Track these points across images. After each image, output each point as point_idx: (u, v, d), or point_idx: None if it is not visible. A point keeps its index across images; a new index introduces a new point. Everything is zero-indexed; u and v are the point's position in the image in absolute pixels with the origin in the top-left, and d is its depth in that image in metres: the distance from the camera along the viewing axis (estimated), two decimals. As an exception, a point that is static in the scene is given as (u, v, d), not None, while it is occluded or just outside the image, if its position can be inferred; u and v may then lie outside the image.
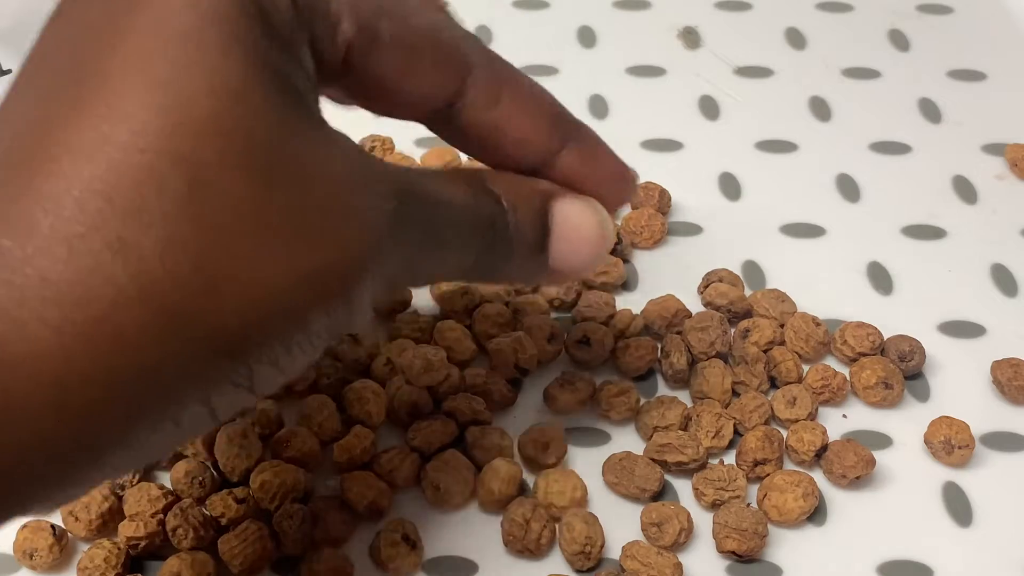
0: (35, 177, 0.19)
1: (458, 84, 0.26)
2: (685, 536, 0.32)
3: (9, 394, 0.18)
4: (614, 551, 0.32)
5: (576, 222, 0.27)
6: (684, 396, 0.36)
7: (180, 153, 0.19)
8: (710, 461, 0.34)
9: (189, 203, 0.19)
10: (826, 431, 0.34)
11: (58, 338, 0.18)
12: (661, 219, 0.40)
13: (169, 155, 0.19)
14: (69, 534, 0.32)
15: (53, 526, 0.31)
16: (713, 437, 0.34)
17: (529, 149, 0.27)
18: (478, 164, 0.29)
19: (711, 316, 0.36)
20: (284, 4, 0.22)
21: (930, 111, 0.46)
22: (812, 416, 0.35)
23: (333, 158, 0.22)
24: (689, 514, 0.32)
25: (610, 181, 0.29)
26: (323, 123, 0.23)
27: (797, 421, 0.35)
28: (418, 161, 0.42)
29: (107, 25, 0.20)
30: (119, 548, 0.31)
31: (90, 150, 0.19)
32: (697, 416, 0.35)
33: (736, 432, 0.35)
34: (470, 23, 0.49)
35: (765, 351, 0.36)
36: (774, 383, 0.36)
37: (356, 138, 0.43)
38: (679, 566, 0.31)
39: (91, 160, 0.19)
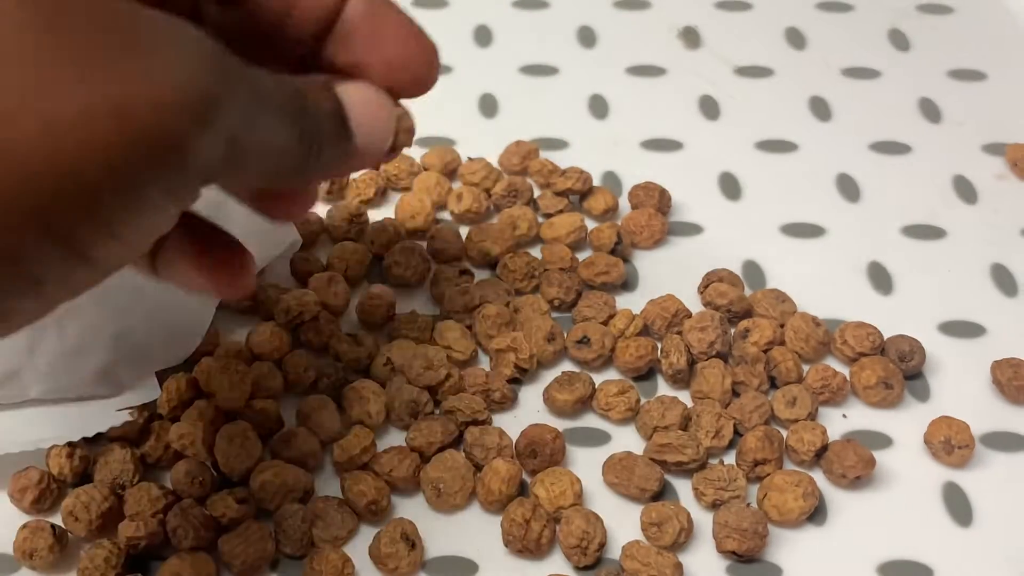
0: None
1: None
2: (685, 536, 0.32)
3: None
4: (614, 551, 0.32)
5: (362, 94, 0.28)
6: (684, 396, 0.36)
7: None
8: (710, 461, 0.34)
9: None
10: (826, 431, 0.34)
11: None
12: (661, 219, 0.40)
13: None
14: (69, 534, 0.32)
15: (53, 526, 0.31)
16: (713, 437, 0.34)
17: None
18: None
19: (711, 316, 0.37)
20: None
21: (930, 111, 0.46)
22: (812, 416, 0.35)
23: (139, 10, 0.22)
24: (689, 514, 0.32)
25: (405, 39, 0.29)
26: None
27: (797, 421, 0.35)
28: (418, 160, 0.42)
29: None
30: (119, 548, 0.31)
31: None
32: (697, 416, 0.35)
33: (736, 432, 0.35)
34: (470, 23, 0.49)
35: (765, 351, 0.36)
36: (774, 383, 0.36)
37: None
38: (679, 566, 0.31)
39: None
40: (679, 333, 0.37)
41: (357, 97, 0.27)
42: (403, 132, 0.29)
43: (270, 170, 0.26)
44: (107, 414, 0.33)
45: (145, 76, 0.21)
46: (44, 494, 0.32)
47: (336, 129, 0.27)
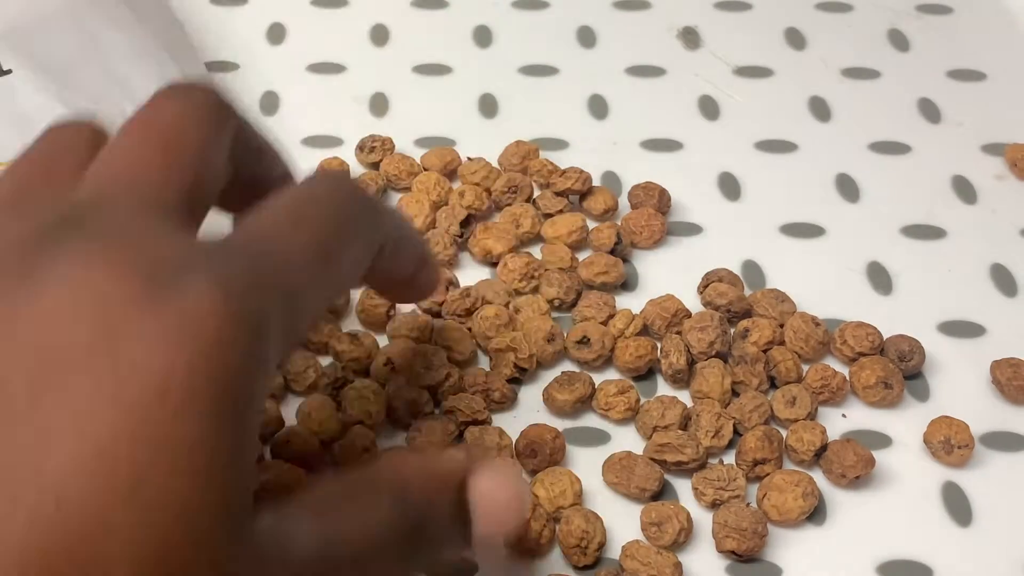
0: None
1: None
2: (685, 536, 0.32)
3: None
4: (614, 551, 0.32)
5: (496, 498, 0.25)
6: (684, 396, 0.36)
7: None
8: (710, 461, 0.34)
9: None
10: (825, 431, 0.34)
11: None
12: (661, 219, 0.40)
13: None
14: None
15: None
16: (713, 437, 0.34)
17: None
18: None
19: (711, 316, 0.36)
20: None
21: (930, 111, 0.46)
22: (812, 416, 0.35)
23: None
24: (689, 514, 0.32)
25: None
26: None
27: (797, 421, 0.35)
28: (418, 161, 0.42)
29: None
30: None
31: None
32: (696, 416, 0.35)
33: (736, 432, 0.35)
34: (470, 23, 0.49)
35: (765, 351, 0.36)
36: (774, 383, 0.36)
37: (355, 138, 0.43)
38: (679, 566, 0.31)
39: None
40: (679, 333, 0.37)
41: (490, 500, 0.25)
42: None
43: None
44: None
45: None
46: None
47: (456, 535, 0.25)
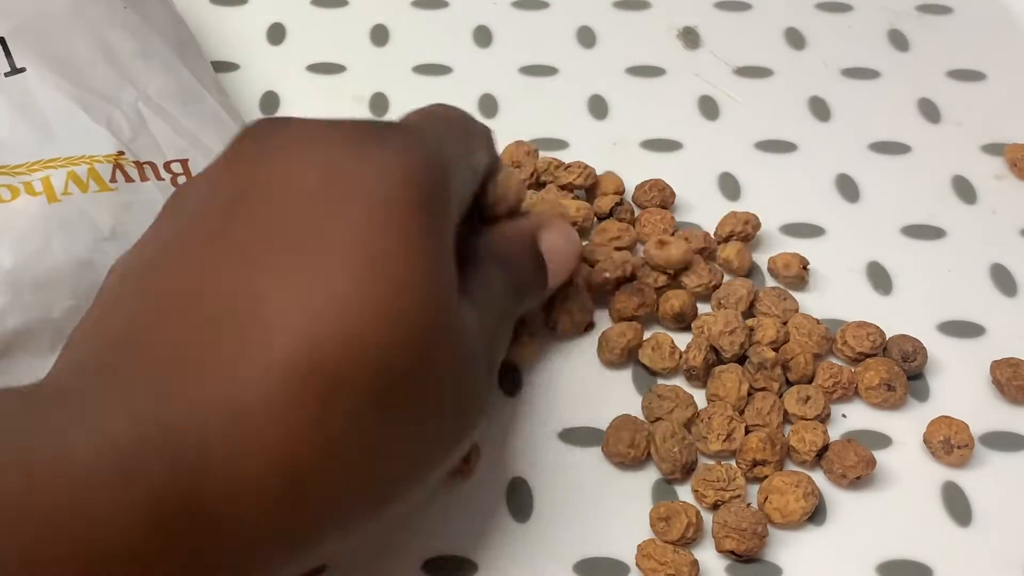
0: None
1: None
2: (693, 531, 0.32)
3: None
4: (624, 549, 0.32)
5: (552, 242, 0.34)
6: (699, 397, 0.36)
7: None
8: (708, 462, 0.34)
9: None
10: (827, 431, 0.34)
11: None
12: (670, 217, 0.40)
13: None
14: None
15: None
16: (724, 440, 0.34)
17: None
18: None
19: (736, 318, 0.36)
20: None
21: (930, 111, 0.46)
22: (822, 418, 0.35)
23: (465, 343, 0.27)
24: (698, 511, 0.32)
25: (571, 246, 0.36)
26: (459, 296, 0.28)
27: (805, 419, 0.35)
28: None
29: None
30: None
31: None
32: (708, 419, 0.35)
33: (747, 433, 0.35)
34: (470, 23, 0.49)
35: (776, 350, 0.36)
36: (787, 380, 0.36)
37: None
38: (695, 564, 0.31)
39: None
40: (702, 331, 0.37)
41: (549, 243, 0.34)
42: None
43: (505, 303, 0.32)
44: None
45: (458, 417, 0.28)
46: None
47: (537, 263, 0.34)
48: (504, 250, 0.33)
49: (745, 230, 0.40)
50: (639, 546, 0.32)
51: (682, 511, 0.32)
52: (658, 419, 0.35)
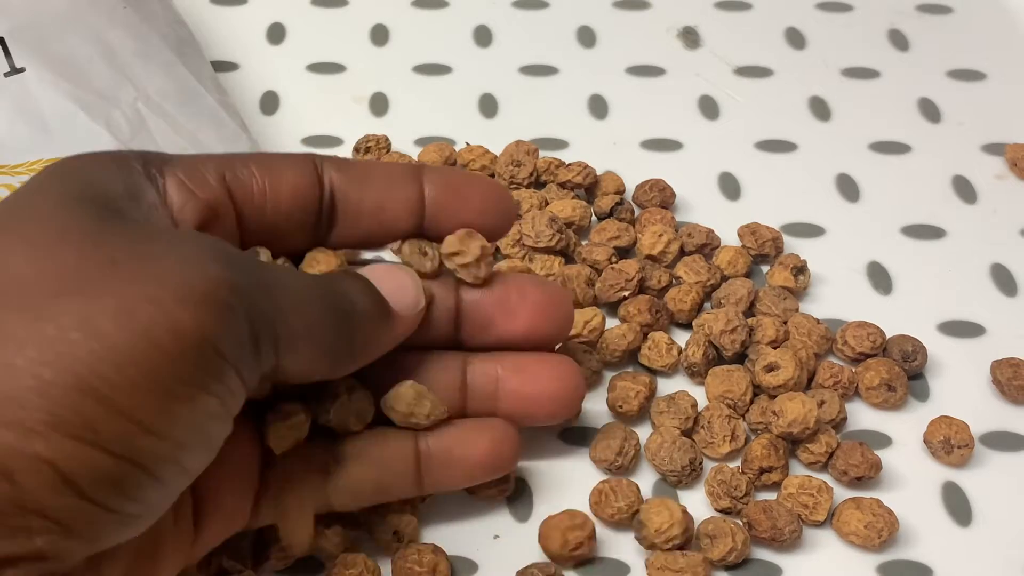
0: None
1: (314, 167, 0.30)
2: (735, 556, 0.32)
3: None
4: (628, 549, 0.32)
5: (383, 271, 0.30)
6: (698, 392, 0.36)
7: None
8: (709, 464, 0.34)
9: None
10: (836, 435, 0.34)
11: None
12: (671, 217, 0.40)
13: None
14: None
15: None
16: (730, 440, 0.34)
17: (398, 187, 0.31)
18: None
19: (737, 316, 0.36)
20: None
21: (930, 111, 0.46)
22: (836, 424, 0.35)
23: (144, 224, 0.26)
24: (747, 537, 0.32)
25: (480, 187, 0.32)
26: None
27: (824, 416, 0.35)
28: (414, 158, 0.42)
29: None
30: None
31: None
32: (708, 424, 0.35)
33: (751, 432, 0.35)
34: (470, 23, 0.49)
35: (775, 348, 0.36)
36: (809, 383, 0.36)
37: (355, 138, 0.43)
38: (707, 561, 0.31)
39: None
40: (703, 328, 0.37)
41: (380, 273, 0.30)
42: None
43: (316, 352, 0.27)
44: None
45: (146, 275, 0.23)
46: None
47: (372, 300, 0.29)
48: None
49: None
50: (648, 561, 0.32)
51: (730, 533, 0.32)
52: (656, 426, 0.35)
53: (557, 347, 0.34)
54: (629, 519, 0.33)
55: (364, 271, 0.30)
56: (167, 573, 0.27)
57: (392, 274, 0.30)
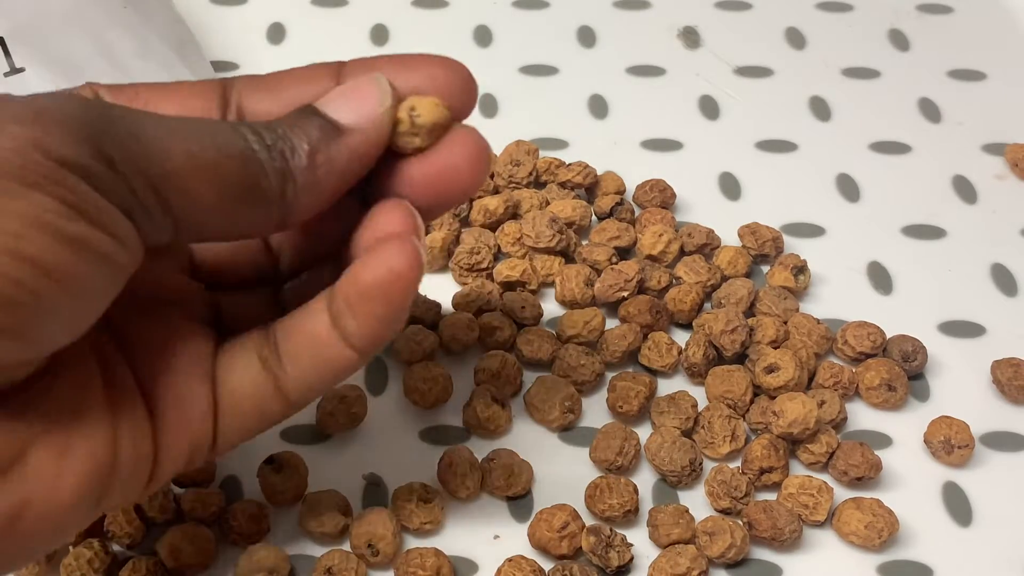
0: None
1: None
2: (735, 553, 0.32)
3: None
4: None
5: (339, 89, 0.26)
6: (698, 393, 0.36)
7: None
8: (710, 464, 0.34)
9: None
10: (836, 435, 0.34)
11: None
12: (671, 217, 0.40)
13: None
14: None
15: None
16: (731, 441, 0.34)
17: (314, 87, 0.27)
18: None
19: (738, 316, 0.36)
20: None
21: (930, 111, 0.46)
22: (836, 424, 0.35)
23: None
24: (745, 535, 0.32)
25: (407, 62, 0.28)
26: None
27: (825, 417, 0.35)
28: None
29: None
30: (105, 551, 0.31)
31: None
32: (708, 424, 0.35)
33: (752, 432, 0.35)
34: (470, 23, 0.49)
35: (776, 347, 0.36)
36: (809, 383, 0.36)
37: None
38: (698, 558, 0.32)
39: None
40: (704, 328, 0.37)
41: (336, 91, 0.26)
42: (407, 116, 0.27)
43: (218, 195, 0.24)
44: None
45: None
46: None
47: (300, 118, 0.25)
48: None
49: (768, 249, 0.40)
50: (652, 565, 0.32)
51: (728, 531, 0.32)
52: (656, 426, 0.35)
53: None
54: (622, 516, 0.33)
55: (322, 102, 0.26)
56: (135, 479, 0.26)
57: (346, 88, 0.26)
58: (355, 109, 0.26)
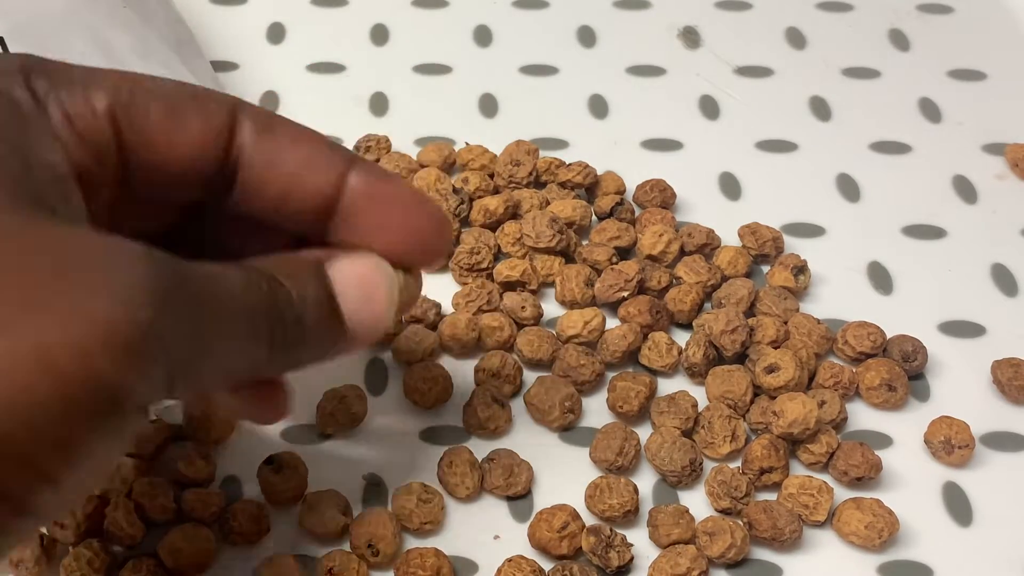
0: None
1: (229, 121, 0.25)
2: (735, 553, 0.32)
3: None
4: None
5: (357, 273, 0.26)
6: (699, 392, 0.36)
7: None
8: (709, 464, 0.34)
9: None
10: (836, 435, 0.34)
11: None
12: (671, 217, 0.40)
13: None
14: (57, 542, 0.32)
15: (41, 535, 0.31)
16: (731, 441, 0.34)
17: (312, 177, 0.26)
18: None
19: (738, 316, 0.36)
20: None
21: (930, 111, 0.46)
22: (837, 424, 0.35)
23: (69, 235, 0.21)
24: (746, 535, 0.32)
25: (412, 207, 0.27)
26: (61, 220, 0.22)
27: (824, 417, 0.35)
28: (414, 158, 0.42)
29: None
30: (105, 551, 0.31)
31: None
32: (709, 424, 0.34)
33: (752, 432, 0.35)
34: (470, 23, 0.49)
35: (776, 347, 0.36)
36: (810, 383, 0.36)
37: (355, 138, 0.43)
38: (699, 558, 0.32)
39: None
40: (704, 328, 0.37)
41: (352, 276, 0.25)
42: (408, 302, 0.27)
43: (234, 378, 0.24)
44: None
45: (70, 314, 0.19)
46: None
47: (323, 317, 0.25)
48: (268, 265, 0.24)
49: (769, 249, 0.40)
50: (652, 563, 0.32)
51: (729, 531, 0.32)
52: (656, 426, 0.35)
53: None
54: (622, 516, 0.33)
55: (337, 268, 0.25)
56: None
57: (364, 282, 0.25)
58: (361, 320, 0.25)
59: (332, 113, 0.45)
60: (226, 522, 0.32)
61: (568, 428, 0.35)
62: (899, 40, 0.49)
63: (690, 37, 0.49)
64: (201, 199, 0.26)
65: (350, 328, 0.25)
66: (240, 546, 0.32)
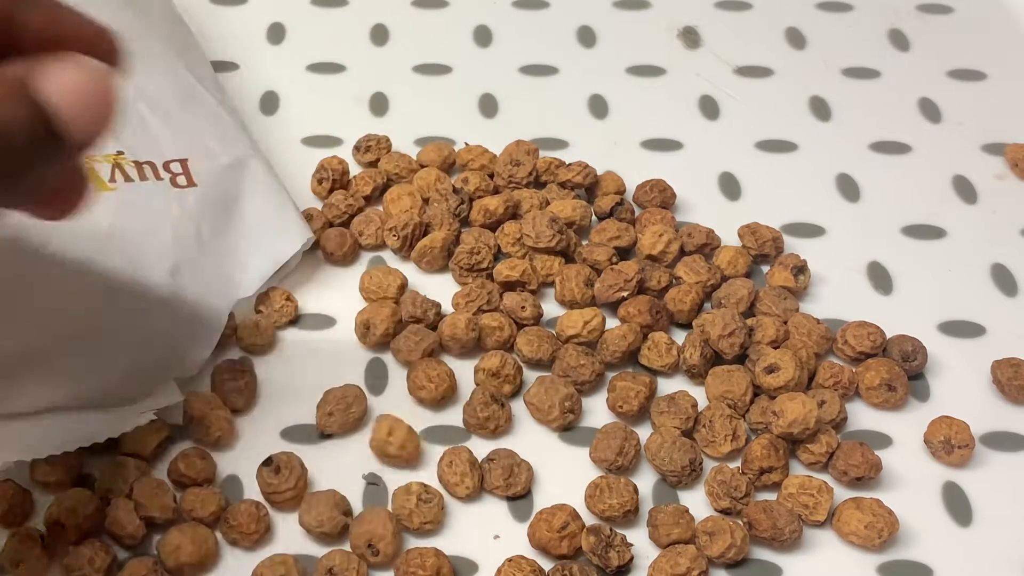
0: None
1: None
2: (735, 553, 0.32)
3: None
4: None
5: (72, 81, 0.23)
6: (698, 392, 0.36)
7: None
8: (710, 464, 0.34)
9: None
10: (836, 435, 0.34)
11: None
12: (671, 217, 0.40)
13: None
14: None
15: (41, 535, 0.31)
16: (732, 440, 0.34)
17: None
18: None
19: (734, 317, 0.36)
20: None
21: (930, 111, 0.46)
22: (836, 423, 0.35)
23: None
24: (746, 535, 0.32)
25: (83, 30, 0.26)
26: None
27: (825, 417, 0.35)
28: (414, 158, 0.42)
29: None
30: (105, 551, 0.31)
31: None
32: (709, 423, 0.34)
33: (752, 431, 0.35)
34: (470, 23, 0.49)
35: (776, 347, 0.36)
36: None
37: (355, 138, 0.43)
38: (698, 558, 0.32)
39: None
40: (702, 328, 0.37)
41: (68, 86, 0.23)
42: None
43: None
44: (129, 417, 0.33)
45: None
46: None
47: (37, 138, 0.23)
48: None
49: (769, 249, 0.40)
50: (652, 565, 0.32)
51: (728, 531, 0.32)
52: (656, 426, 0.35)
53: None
54: (622, 516, 0.33)
55: (46, 78, 0.23)
56: None
57: (76, 80, 0.23)
58: (86, 125, 0.24)
59: (332, 113, 0.45)
60: (226, 522, 0.32)
61: (568, 428, 0.35)
62: (899, 40, 0.49)
63: (690, 37, 0.49)
64: None
65: (74, 135, 0.23)
66: (240, 546, 0.32)
